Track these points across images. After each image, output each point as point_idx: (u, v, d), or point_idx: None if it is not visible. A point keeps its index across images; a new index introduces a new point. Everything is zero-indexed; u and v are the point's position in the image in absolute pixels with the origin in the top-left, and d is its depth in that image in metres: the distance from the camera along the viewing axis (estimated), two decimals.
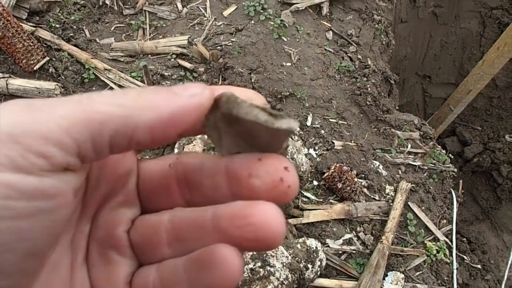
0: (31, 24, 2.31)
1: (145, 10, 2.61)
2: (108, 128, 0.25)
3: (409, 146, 2.40)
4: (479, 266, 2.79)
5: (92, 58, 2.29)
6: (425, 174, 2.33)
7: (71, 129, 0.24)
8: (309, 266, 1.75)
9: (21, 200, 0.23)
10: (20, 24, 2.17)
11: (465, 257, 2.49)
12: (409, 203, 2.18)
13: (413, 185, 2.23)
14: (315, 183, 2.10)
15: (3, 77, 2.22)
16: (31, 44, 2.18)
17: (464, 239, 2.67)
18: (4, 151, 0.23)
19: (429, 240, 2.12)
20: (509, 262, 3.21)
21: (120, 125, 0.25)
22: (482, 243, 3.87)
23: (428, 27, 4.27)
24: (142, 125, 0.26)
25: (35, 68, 2.23)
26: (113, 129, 0.25)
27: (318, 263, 1.78)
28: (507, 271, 3.12)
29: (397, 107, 2.75)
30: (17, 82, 2.19)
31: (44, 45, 2.28)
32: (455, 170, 2.39)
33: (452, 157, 2.48)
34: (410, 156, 2.36)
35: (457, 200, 2.34)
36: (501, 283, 3.12)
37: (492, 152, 4.30)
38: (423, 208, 2.20)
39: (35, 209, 0.24)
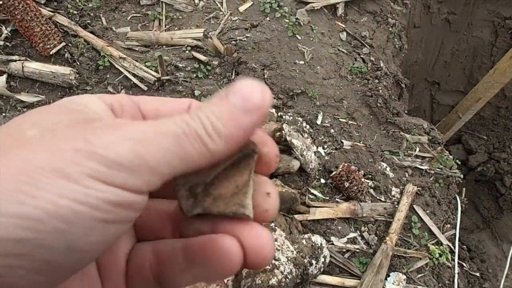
0: (49, 9, 2.34)
1: (162, 1, 2.63)
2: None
3: (417, 149, 2.41)
4: (477, 274, 2.80)
5: (107, 46, 2.31)
6: (431, 178, 2.34)
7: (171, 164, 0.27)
8: (313, 262, 1.77)
9: (126, 210, 0.26)
10: (39, 8, 2.20)
11: (464, 264, 2.50)
12: (414, 206, 2.19)
13: (419, 188, 2.25)
14: (323, 181, 2.12)
15: (19, 60, 2.24)
16: (49, 28, 2.20)
17: (464, 246, 2.68)
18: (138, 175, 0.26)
19: (432, 244, 2.14)
20: (505, 271, 3.21)
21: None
22: (481, 252, 3.88)
23: (440, 33, 4.27)
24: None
25: (51, 53, 2.25)
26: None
27: (322, 259, 1.80)
28: (503, 280, 3.13)
29: (406, 111, 2.76)
30: (32, 66, 2.22)
31: (61, 30, 2.30)
32: (461, 176, 2.40)
33: (459, 163, 2.50)
34: (417, 159, 2.37)
35: (461, 206, 2.35)
36: None
37: (496, 162, 4.31)
38: (427, 211, 2.22)
39: (130, 219, 0.27)
